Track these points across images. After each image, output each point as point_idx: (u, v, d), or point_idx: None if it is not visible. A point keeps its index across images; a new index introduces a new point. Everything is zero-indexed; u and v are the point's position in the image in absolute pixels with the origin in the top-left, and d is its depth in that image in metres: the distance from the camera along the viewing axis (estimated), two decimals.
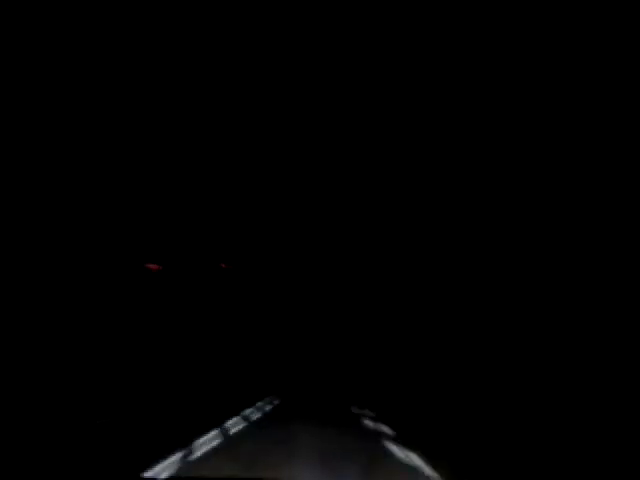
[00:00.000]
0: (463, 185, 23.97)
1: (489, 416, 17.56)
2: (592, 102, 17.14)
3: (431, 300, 32.49)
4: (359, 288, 44.93)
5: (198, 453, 9.72)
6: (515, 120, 19.51)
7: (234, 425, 14.39)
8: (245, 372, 42.60)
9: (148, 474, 7.67)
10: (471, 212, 24.51)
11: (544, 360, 18.61)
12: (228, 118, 24.34)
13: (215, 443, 10.99)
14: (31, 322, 20.92)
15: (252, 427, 14.43)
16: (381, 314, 43.28)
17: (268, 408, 20.67)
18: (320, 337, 50.36)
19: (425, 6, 17.47)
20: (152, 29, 17.73)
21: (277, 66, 19.97)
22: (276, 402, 23.90)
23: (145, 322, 31.62)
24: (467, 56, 18.45)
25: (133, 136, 23.60)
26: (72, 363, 22.82)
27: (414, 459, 9.70)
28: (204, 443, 10.78)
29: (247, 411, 18.36)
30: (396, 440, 12.15)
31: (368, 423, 16.25)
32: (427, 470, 8.69)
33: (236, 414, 16.99)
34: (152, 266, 32.82)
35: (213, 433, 12.32)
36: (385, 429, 14.64)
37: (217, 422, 14.35)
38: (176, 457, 9.10)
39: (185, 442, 10.64)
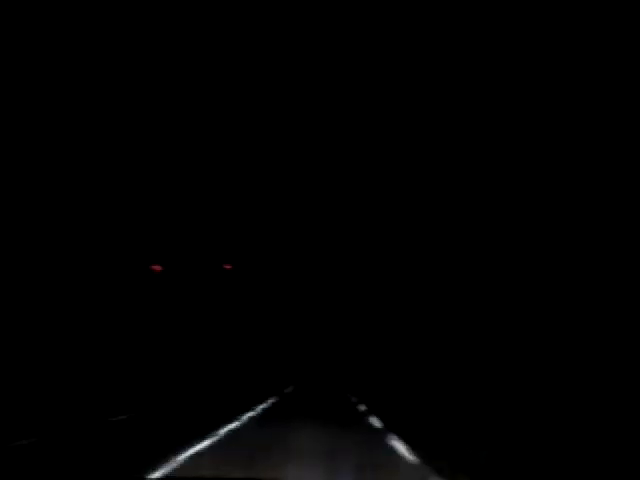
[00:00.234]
0: (463, 185, 23.96)
1: (489, 415, 17.57)
2: (592, 102, 17.14)
3: (431, 300, 32.48)
4: (359, 288, 44.91)
5: (198, 453, 9.76)
6: (515, 120, 19.50)
7: (234, 424, 14.44)
8: (245, 372, 42.62)
9: (148, 474, 7.70)
10: (471, 212, 24.51)
11: (544, 360, 18.62)
12: (230, 121, 24.37)
13: (215, 443, 11.03)
14: (33, 323, 20.99)
15: (252, 426, 14.47)
16: (381, 314, 43.28)
17: (268, 407, 20.72)
18: (320, 337, 50.40)
19: (425, 6, 17.48)
20: (152, 29, 17.76)
21: (277, 66, 19.99)
22: (276, 401, 23.95)
23: (149, 322, 31.69)
24: (467, 56, 18.46)
25: (138, 140, 23.64)
26: (76, 362, 22.89)
27: (414, 458, 9.73)
28: (204, 443, 10.82)
29: (247, 411, 18.41)
30: (397, 439, 12.17)
31: (369, 422, 16.29)
32: (427, 469, 8.72)
33: (236, 414, 17.04)
34: (156, 267, 32.90)
35: (213, 433, 12.36)
36: (386, 427, 14.66)
37: (217, 422, 14.40)
38: (176, 457, 9.14)
39: (185, 442, 10.68)
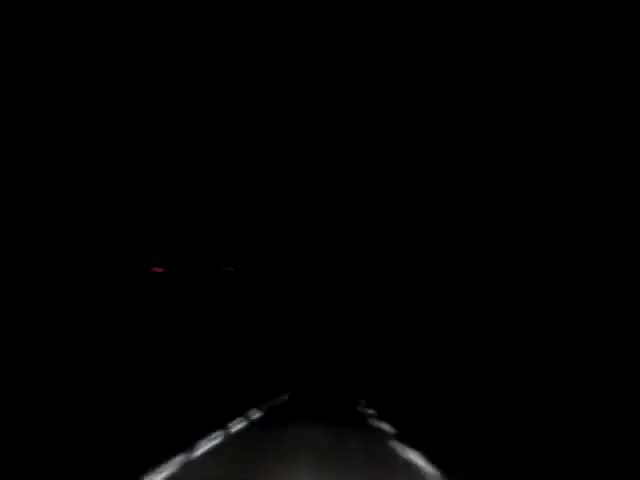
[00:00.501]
0: (463, 185, 23.93)
1: (490, 415, 17.50)
2: (592, 102, 17.10)
3: (431, 300, 32.42)
4: (359, 288, 44.84)
5: (199, 454, 9.70)
6: (515, 120, 19.47)
7: (234, 426, 14.38)
8: (245, 372, 42.56)
9: (149, 475, 7.65)
10: (471, 212, 24.47)
11: (544, 360, 18.55)
12: (231, 123, 24.37)
13: (215, 444, 10.97)
14: (33, 322, 20.97)
15: (252, 428, 14.42)
16: (381, 314, 43.21)
17: (268, 408, 20.66)
18: (320, 337, 50.31)
19: (425, 6, 17.46)
20: (152, 29, 17.75)
21: (277, 66, 19.97)
22: (276, 402, 23.91)
23: (150, 323, 31.66)
24: (467, 56, 18.43)
25: (140, 142, 23.63)
26: (77, 363, 22.86)
27: (416, 458, 9.67)
28: (205, 444, 10.77)
29: (247, 412, 18.34)
30: (398, 439, 12.11)
31: (370, 422, 16.24)
32: (429, 469, 8.66)
33: (236, 415, 16.98)
34: (157, 269, 32.89)
35: (214, 434, 12.30)
36: (387, 428, 14.61)
37: (217, 423, 14.34)
38: (177, 458, 9.09)
39: (186, 443, 10.62)
